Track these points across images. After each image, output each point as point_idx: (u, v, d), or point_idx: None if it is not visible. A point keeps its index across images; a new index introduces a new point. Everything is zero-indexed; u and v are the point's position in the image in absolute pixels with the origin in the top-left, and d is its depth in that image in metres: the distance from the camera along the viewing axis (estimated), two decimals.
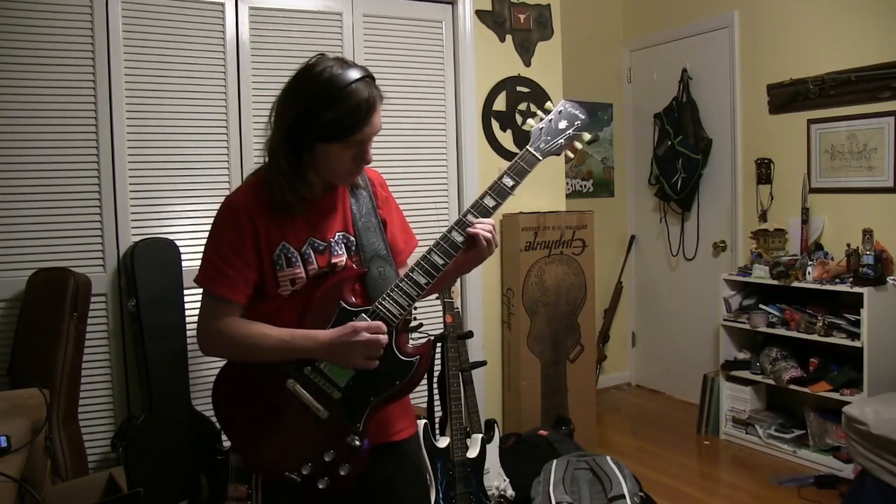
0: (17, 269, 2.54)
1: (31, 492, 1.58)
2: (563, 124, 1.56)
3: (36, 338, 2.42)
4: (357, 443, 1.43)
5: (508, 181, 1.50)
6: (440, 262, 1.45)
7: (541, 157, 1.53)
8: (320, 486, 1.42)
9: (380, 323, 1.41)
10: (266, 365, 1.44)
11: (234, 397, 1.49)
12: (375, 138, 1.45)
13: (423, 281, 1.44)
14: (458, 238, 1.46)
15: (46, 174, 2.59)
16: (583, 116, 1.57)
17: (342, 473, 1.43)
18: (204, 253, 1.49)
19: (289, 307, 1.48)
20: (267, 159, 1.46)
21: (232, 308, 1.45)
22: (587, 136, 1.59)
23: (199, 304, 2.88)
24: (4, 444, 1.60)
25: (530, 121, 1.58)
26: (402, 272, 1.51)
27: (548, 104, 1.61)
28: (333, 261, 1.50)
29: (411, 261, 1.55)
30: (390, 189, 1.68)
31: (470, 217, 1.48)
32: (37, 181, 2.58)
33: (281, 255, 1.45)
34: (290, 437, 1.44)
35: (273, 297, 1.48)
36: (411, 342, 1.51)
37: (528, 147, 1.53)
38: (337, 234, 1.52)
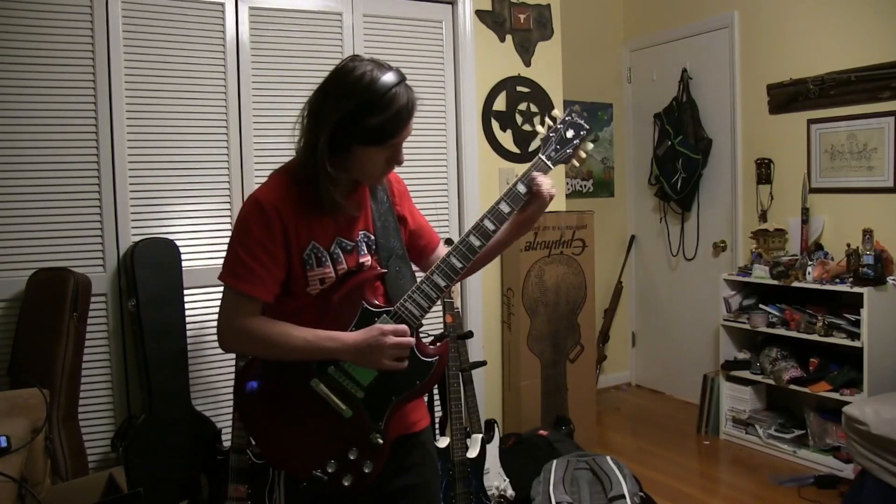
0: (17, 269, 2.54)
1: (30, 492, 1.58)
2: (570, 133, 1.61)
3: (36, 338, 2.42)
4: (380, 440, 1.46)
5: (522, 188, 1.54)
6: (459, 265, 1.48)
7: (552, 166, 1.59)
8: (346, 484, 1.45)
9: (404, 326, 1.43)
10: (289, 365, 1.46)
11: (257, 398, 1.50)
12: None
13: (442, 283, 1.47)
14: (476, 242, 1.49)
15: (46, 174, 2.59)
16: (587, 126, 1.63)
17: (366, 471, 1.46)
18: (230, 249, 1.47)
19: (314, 306, 1.49)
20: (302, 159, 1.44)
21: (257, 305, 1.45)
22: (591, 146, 1.65)
23: (198, 304, 2.88)
24: (4, 444, 1.60)
25: (539, 128, 1.63)
26: (434, 260, 1.56)
27: (555, 112, 1.65)
28: (361, 260, 1.52)
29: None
30: None
31: (487, 223, 1.51)
32: (37, 181, 2.58)
33: (311, 255, 1.46)
34: (316, 436, 1.46)
35: (299, 296, 1.49)
36: (427, 342, 1.54)
37: (539, 155, 1.59)
38: (360, 233, 1.54)
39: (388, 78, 1.38)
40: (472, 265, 1.52)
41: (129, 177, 2.71)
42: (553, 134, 1.61)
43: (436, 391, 2.92)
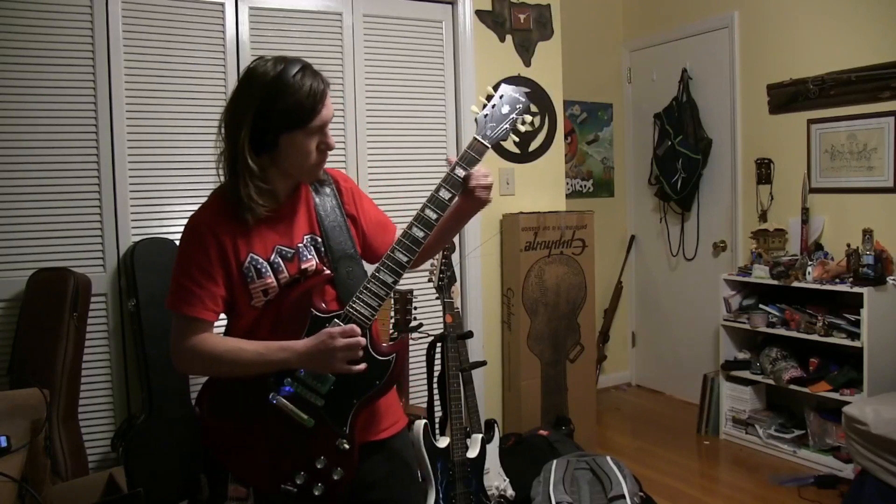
0: (17, 269, 2.54)
1: (30, 492, 1.58)
2: (506, 109, 1.58)
3: (36, 338, 2.42)
4: (346, 446, 1.44)
5: (461, 172, 1.51)
6: (404, 258, 1.46)
7: (489, 145, 1.55)
8: (316, 494, 1.43)
9: (353, 326, 1.41)
10: (247, 382, 1.44)
11: (219, 416, 1.50)
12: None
13: (389, 280, 1.45)
14: (419, 234, 1.47)
15: (46, 174, 2.59)
16: (523, 99, 1.59)
17: (335, 478, 1.44)
18: (172, 275, 1.47)
19: (265, 319, 1.48)
20: (226, 172, 1.46)
21: (203, 326, 1.44)
22: (530, 118, 1.61)
23: None
24: (4, 444, 1.60)
25: (473, 108, 1.61)
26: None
27: (488, 89, 1.63)
28: (303, 266, 1.49)
29: None
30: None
31: (428, 211, 1.49)
32: (37, 181, 2.58)
33: (250, 268, 1.45)
34: (281, 449, 1.45)
35: (248, 311, 1.48)
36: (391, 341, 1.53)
37: (475, 136, 1.55)
38: (305, 237, 1.52)
39: (291, 67, 1.40)
40: (419, 256, 1.50)
41: (129, 177, 2.71)
42: (488, 111, 1.57)
43: (436, 391, 2.91)
